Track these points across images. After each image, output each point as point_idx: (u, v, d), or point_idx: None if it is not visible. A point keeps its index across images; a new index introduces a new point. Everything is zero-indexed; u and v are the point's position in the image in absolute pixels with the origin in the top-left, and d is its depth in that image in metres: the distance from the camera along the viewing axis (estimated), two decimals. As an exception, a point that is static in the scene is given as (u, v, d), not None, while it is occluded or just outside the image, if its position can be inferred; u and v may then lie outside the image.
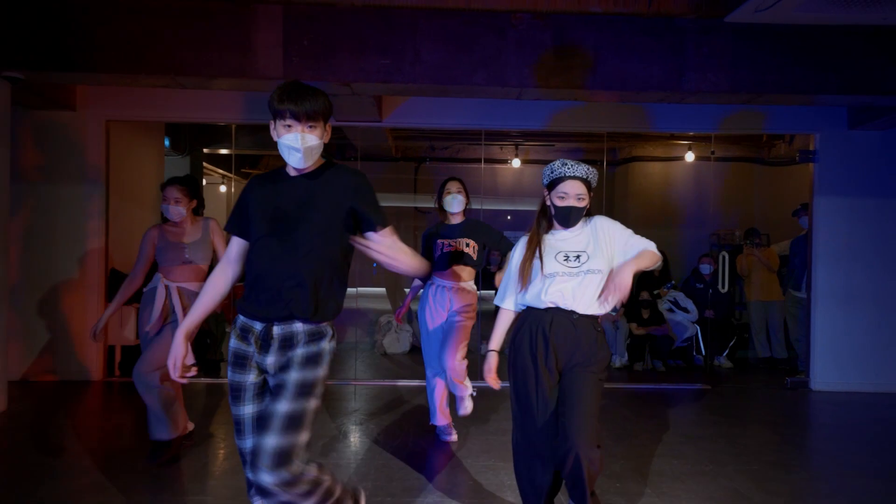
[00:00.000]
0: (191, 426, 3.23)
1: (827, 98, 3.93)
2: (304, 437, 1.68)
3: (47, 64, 3.72)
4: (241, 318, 1.77)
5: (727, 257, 5.56)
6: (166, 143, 6.49)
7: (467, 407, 3.33)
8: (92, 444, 3.38)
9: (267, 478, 1.61)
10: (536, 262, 2.15)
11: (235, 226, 1.86)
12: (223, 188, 9.17)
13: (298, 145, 1.69)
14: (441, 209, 3.43)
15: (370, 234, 1.77)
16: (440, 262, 3.32)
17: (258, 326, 1.73)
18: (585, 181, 2.16)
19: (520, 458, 2.19)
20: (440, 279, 3.33)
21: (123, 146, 5.26)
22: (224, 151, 8.19)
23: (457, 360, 3.20)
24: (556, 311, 2.11)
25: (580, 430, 1.97)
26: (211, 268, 2.33)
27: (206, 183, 8.12)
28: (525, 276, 2.16)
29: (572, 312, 2.10)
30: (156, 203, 6.07)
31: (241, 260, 1.87)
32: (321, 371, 1.73)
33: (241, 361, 1.76)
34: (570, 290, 2.09)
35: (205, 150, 7.58)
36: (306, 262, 1.71)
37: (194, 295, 2.94)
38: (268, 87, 3.96)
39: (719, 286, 5.71)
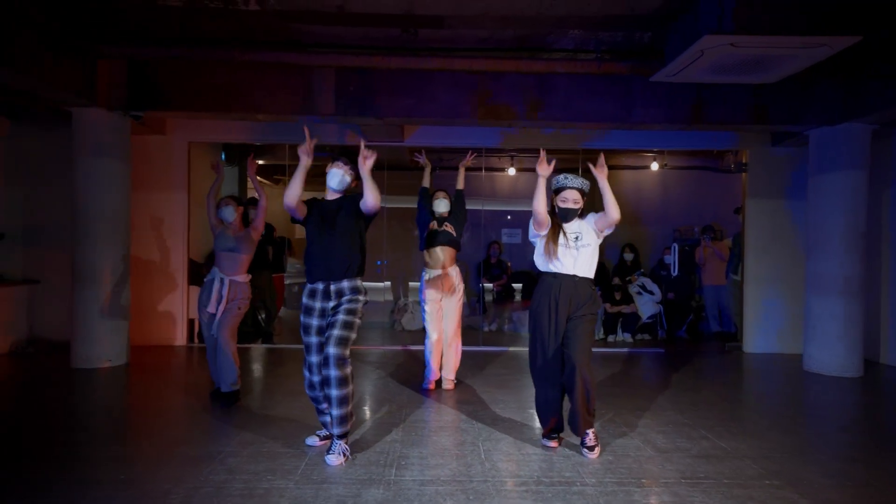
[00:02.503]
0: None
1: (734, 128, 5.29)
2: (353, 334, 3.03)
3: (164, 106, 5.09)
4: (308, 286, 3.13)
5: (676, 247, 6.91)
6: (223, 157, 7.85)
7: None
8: (193, 391, 4.74)
9: (332, 350, 2.96)
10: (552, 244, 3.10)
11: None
12: (258, 192, 10.53)
13: (338, 177, 3.15)
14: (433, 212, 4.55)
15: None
16: (427, 240, 4.49)
17: (320, 286, 3.07)
18: (580, 190, 3.13)
19: (537, 382, 3.20)
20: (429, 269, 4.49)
21: (193, 160, 6.58)
22: (261, 162, 9.59)
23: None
24: (564, 276, 3.10)
25: (580, 356, 3.03)
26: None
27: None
28: (549, 249, 3.11)
29: (574, 276, 3.11)
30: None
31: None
32: (360, 300, 3.08)
33: (308, 311, 3.11)
34: (572, 261, 3.11)
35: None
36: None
37: (241, 285, 4.05)
38: (324, 120, 5.33)
39: (672, 271, 7.04)
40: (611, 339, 7.11)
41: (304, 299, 3.12)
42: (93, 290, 5.09)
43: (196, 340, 6.39)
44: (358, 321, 3.09)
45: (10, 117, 5.98)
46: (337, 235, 3.06)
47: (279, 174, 10.34)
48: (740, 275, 6.58)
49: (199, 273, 6.42)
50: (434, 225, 4.55)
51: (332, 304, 3.08)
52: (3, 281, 5.97)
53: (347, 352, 3.03)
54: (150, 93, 5.11)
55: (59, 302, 5.85)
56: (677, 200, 8.25)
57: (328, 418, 3.10)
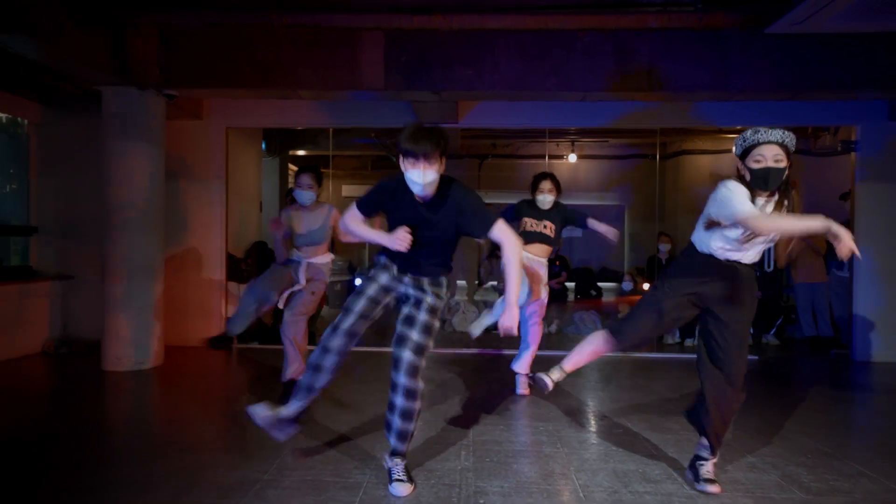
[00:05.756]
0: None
1: (860, 94, 4.43)
2: (431, 342, 2.46)
3: (200, 83, 4.61)
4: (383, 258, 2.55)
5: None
6: (262, 146, 7.41)
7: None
8: (233, 390, 4.22)
9: (406, 355, 2.37)
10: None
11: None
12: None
13: (420, 181, 2.25)
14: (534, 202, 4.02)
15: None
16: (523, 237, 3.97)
17: (396, 266, 2.52)
18: (782, 145, 2.20)
19: None
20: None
21: (232, 149, 6.12)
22: (302, 153, 9.16)
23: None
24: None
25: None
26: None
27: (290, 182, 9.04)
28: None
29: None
30: (256, 196, 6.99)
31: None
32: (442, 297, 2.53)
33: (370, 280, 2.54)
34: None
35: (290, 153, 8.53)
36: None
37: (319, 266, 3.80)
38: (372, 96, 4.77)
39: (765, 266, 6.17)
40: (688, 342, 6.31)
41: (372, 270, 2.56)
42: (125, 286, 4.66)
43: (235, 341, 5.93)
44: (437, 325, 2.51)
45: (42, 101, 5.65)
46: (433, 239, 2.45)
47: (323, 166, 9.88)
48: (849, 271, 5.68)
49: (237, 268, 5.96)
50: (532, 225, 3.98)
51: (403, 289, 2.53)
52: (37, 276, 5.63)
53: (424, 363, 2.44)
54: (184, 68, 4.64)
55: (95, 299, 5.46)
56: (761, 188, 7.35)
57: (303, 398, 2.54)
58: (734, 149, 2.37)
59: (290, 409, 2.54)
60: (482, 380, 4.45)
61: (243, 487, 2.47)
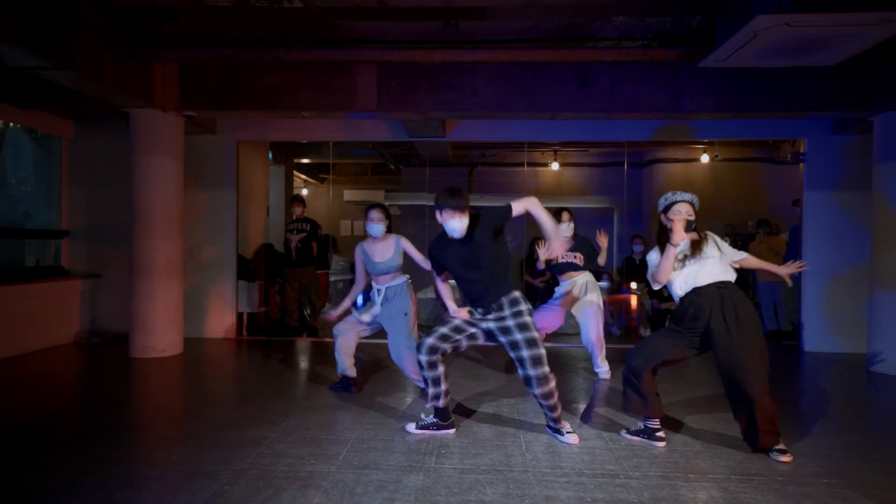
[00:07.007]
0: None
1: (800, 114, 5.05)
2: (542, 349, 3.04)
3: (215, 105, 5.27)
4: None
5: (727, 241, 6.63)
6: (269, 156, 8.07)
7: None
8: (242, 379, 4.87)
9: (532, 372, 3.01)
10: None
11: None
12: (305, 191, 10.80)
13: (459, 227, 2.98)
14: None
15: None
16: (555, 269, 4.70)
17: (480, 309, 3.14)
18: (691, 203, 3.01)
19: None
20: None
21: (242, 160, 6.76)
22: (305, 161, 9.82)
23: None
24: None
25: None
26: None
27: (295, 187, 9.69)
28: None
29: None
30: (263, 202, 7.63)
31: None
32: (524, 309, 3.06)
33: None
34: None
35: (294, 161, 9.19)
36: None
37: (397, 288, 3.89)
38: (367, 115, 5.40)
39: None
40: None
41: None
42: (150, 283, 5.32)
43: (245, 333, 6.59)
44: (537, 334, 3.07)
45: (74, 119, 6.33)
46: (483, 270, 3.06)
47: (324, 173, 10.56)
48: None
49: (247, 267, 6.62)
50: (563, 256, 4.61)
51: (485, 326, 3.15)
52: (68, 275, 6.32)
53: (546, 367, 3.05)
54: (201, 94, 5.30)
55: (120, 295, 6.15)
56: (729, 194, 7.94)
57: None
58: (658, 206, 3.13)
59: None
60: (458, 367, 5.08)
61: (255, 442, 3.11)
